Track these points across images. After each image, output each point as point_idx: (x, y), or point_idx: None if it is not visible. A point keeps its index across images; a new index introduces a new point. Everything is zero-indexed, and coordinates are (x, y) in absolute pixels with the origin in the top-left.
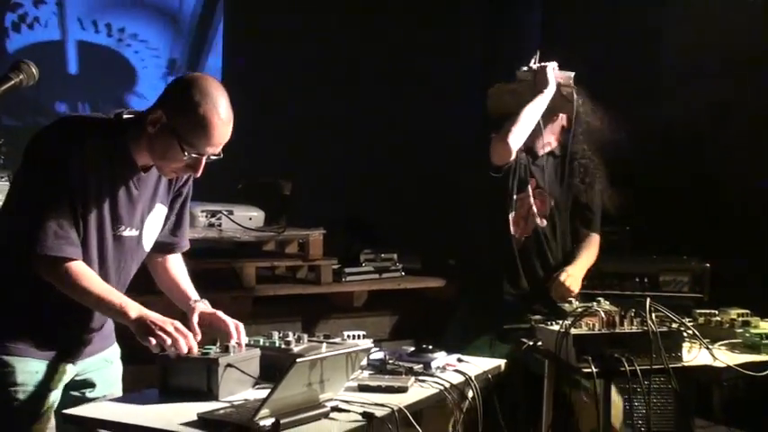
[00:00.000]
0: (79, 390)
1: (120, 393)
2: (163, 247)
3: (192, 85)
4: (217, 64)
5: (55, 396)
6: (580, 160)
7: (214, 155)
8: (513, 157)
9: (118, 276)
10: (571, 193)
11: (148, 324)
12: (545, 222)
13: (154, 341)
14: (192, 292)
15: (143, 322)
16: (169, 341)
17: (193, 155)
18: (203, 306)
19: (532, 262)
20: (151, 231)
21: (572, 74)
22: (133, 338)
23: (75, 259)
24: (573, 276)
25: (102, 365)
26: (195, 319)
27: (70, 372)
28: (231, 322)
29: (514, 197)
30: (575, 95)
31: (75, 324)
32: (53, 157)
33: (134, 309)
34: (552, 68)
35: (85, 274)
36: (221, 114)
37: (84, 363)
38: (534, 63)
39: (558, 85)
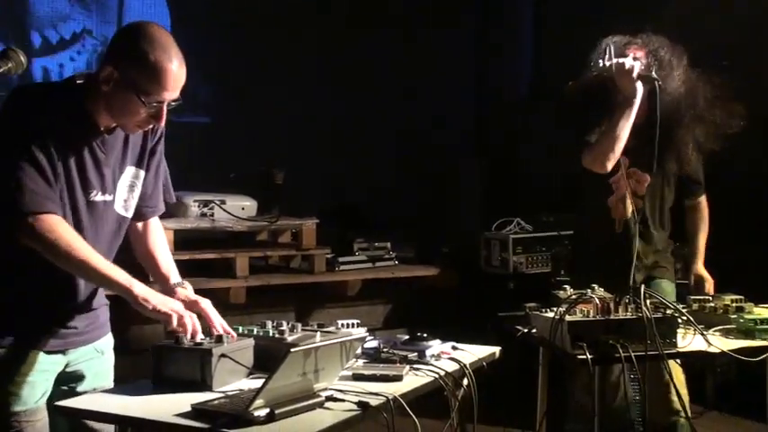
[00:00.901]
0: (68, 384)
1: (111, 385)
2: (136, 212)
3: (137, 34)
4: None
5: (46, 387)
6: (666, 122)
7: (174, 100)
8: None
9: (95, 243)
10: (668, 163)
11: (148, 303)
12: (641, 203)
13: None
14: (173, 273)
15: (142, 299)
16: (175, 320)
17: (153, 104)
18: (185, 291)
19: (633, 242)
20: (124, 195)
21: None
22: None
23: (56, 214)
24: (702, 271)
25: (94, 356)
26: None
27: (61, 362)
28: (215, 318)
29: (609, 180)
30: (654, 76)
31: (64, 311)
32: (15, 129)
33: (137, 284)
34: (636, 71)
35: (68, 232)
36: (172, 58)
37: (76, 352)
38: (609, 58)
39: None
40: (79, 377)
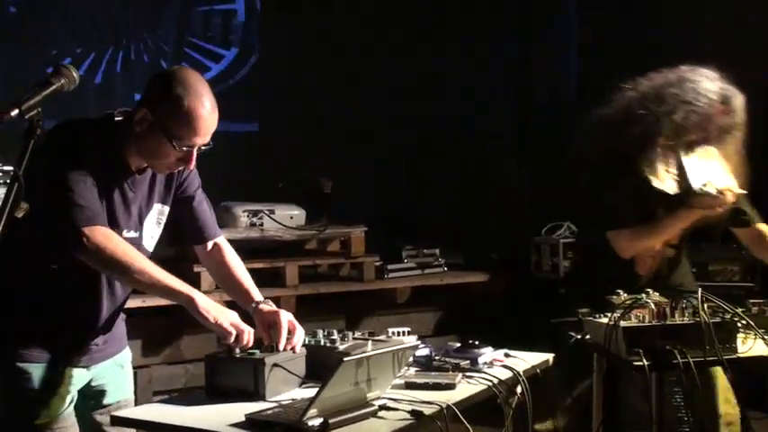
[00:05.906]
0: (93, 399)
1: (132, 397)
2: (195, 236)
3: (172, 79)
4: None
5: (72, 397)
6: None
7: (204, 145)
8: None
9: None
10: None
11: (209, 314)
12: (673, 252)
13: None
14: (255, 292)
15: (204, 311)
16: (232, 338)
17: (184, 148)
18: (267, 306)
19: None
20: (151, 232)
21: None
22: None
23: (106, 226)
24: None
25: (115, 370)
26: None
27: (85, 376)
28: (282, 333)
29: None
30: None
31: (88, 329)
32: (61, 159)
33: (199, 295)
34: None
35: (122, 243)
36: (205, 104)
37: (98, 368)
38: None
39: None
40: (102, 392)
